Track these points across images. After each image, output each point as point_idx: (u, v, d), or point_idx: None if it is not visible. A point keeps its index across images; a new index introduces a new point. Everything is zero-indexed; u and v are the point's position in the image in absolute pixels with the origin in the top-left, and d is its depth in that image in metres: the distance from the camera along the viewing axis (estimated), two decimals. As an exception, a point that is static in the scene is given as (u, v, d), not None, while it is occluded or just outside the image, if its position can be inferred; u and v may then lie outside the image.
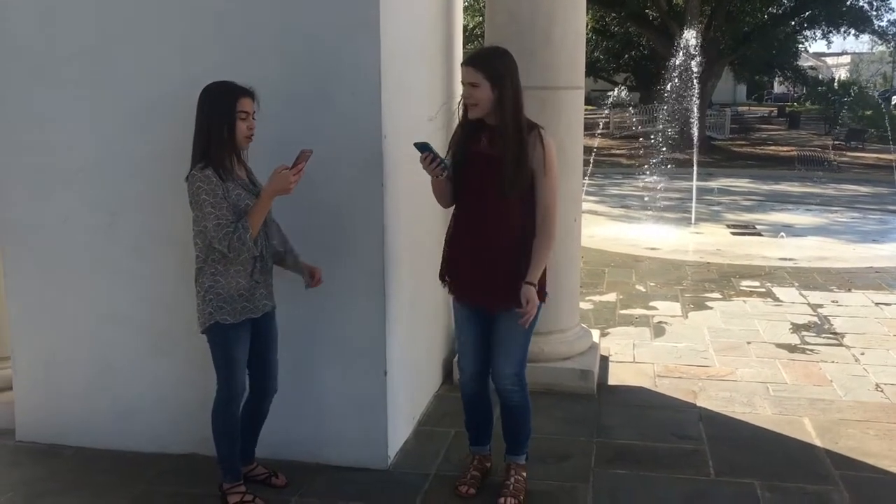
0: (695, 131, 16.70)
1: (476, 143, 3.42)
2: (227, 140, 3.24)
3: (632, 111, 30.35)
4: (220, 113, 3.23)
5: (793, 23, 29.77)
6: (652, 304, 7.33)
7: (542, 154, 3.34)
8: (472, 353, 3.61)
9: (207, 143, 3.23)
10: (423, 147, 3.34)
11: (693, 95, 19.30)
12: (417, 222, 4.31)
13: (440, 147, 3.71)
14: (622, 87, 28.42)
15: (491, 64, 3.33)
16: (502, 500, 3.57)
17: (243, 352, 3.42)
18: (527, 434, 3.70)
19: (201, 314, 3.35)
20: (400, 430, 4.15)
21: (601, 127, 29.29)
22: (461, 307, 3.60)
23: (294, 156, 3.32)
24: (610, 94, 27.52)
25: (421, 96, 4.38)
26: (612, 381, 5.24)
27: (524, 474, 3.70)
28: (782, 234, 11.78)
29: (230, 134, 3.24)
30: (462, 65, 3.39)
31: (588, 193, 15.06)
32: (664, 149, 15.93)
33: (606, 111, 25.74)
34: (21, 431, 4.27)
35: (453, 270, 3.57)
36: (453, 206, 3.58)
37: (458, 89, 5.24)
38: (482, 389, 3.69)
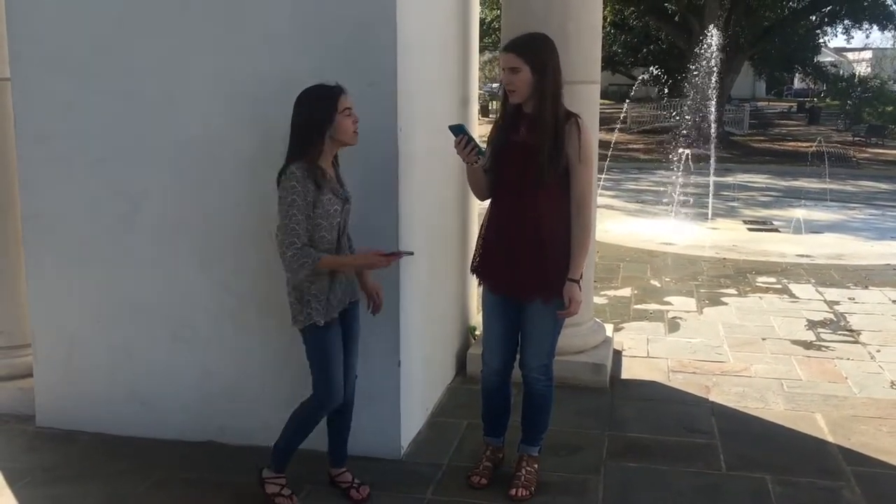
0: (713, 126, 16.59)
1: (514, 133, 3.44)
2: (330, 141, 3.25)
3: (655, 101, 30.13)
4: (324, 117, 3.22)
5: (813, 17, 29.52)
6: (667, 299, 7.33)
7: (578, 142, 3.34)
8: (498, 348, 3.63)
9: (308, 146, 3.22)
10: (458, 129, 3.31)
11: (711, 90, 19.20)
12: (433, 215, 4.33)
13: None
14: (648, 76, 28.11)
15: (531, 49, 3.35)
16: (513, 491, 3.59)
17: (339, 352, 3.38)
18: (545, 426, 3.72)
19: (298, 312, 3.30)
20: (413, 420, 4.19)
21: (621, 121, 29.19)
22: (491, 299, 3.60)
23: None
24: (643, 77, 27.25)
25: (437, 89, 4.41)
26: (625, 375, 5.25)
27: (536, 466, 3.72)
28: (798, 219, 11.71)
29: (338, 134, 3.24)
30: (502, 50, 3.40)
31: (604, 188, 15.02)
32: (682, 144, 15.85)
33: (626, 104, 25.58)
34: (41, 417, 4.33)
35: (487, 261, 3.58)
36: (487, 199, 3.59)
37: (475, 82, 5.30)
38: (504, 384, 3.71)
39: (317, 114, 3.23)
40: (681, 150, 14.21)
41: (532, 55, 3.33)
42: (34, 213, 4.18)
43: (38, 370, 4.32)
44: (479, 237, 3.65)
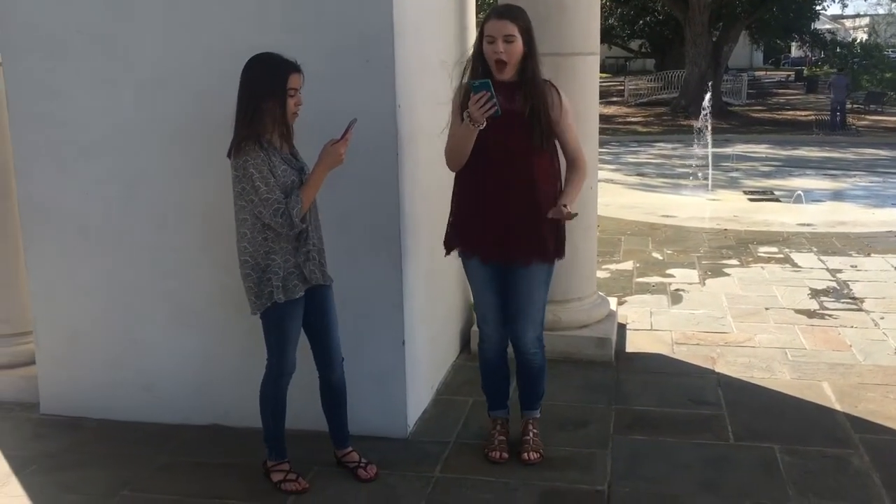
0: (710, 97, 16.50)
1: None
2: (278, 116, 3.20)
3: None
4: (271, 89, 3.17)
5: (810, -16, 29.29)
6: (669, 271, 7.31)
7: (558, 101, 3.40)
8: (493, 319, 3.65)
9: (253, 118, 3.16)
10: (483, 86, 3.17)
11: (705, 59, 19.03)
12: (433, 191, 4.30)
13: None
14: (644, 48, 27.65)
15: (523, 17, 3.34)
16: (526, 455, 3.66)
17: (296, 329, 3.39)
18: (542, 390, 3.80)
19: (258, 295, 3.27)
20: (419, 399, 4.18)
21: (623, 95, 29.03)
22: (479, 269, 3.58)
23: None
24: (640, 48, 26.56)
25: (435, 64, 4.35)
26: (629, 348, 5.24)
27: (537, 429, 3.80)
28: (799, 192, 11.68)
29: (281, 111, 3.19)
30: (494, 18, 3.30)
31: (604, 162, 14.96)
32: (680, 116, 15.79)
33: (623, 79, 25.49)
34: (45, 405, 4.33)
35: (472, 232, 3.55)
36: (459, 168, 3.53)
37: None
38: (503, 353, 3.76)
39: (262, 85, 3.18)
40: (678, 123, 14.17)
41: (524, 24, 3.33)
42: (31, 199, 4.15)
43: (40, 358, 4.30)
44: (452, 212, 3.62)
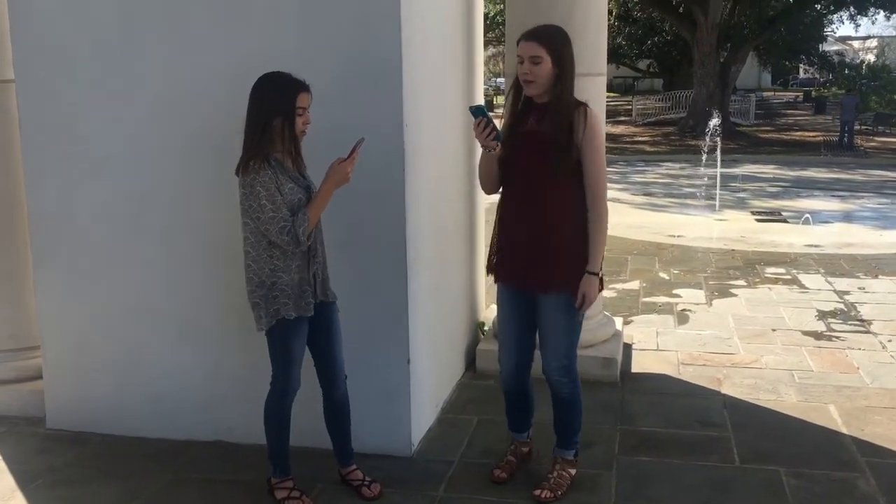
0: (718, 117, 16.53)
1: (524, 124, 3.39)
2: (286, 135, 3.22)
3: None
4: (279, 107, 3.19)
5: (818, 6, 29.32)
6: (675, 291, 7.30)
7: (585, 129, 3.29)
8: (513, 347, 3.58)
9: (261, 136, 3.19)
10: (478, 111, 3.23)
11: (713, 80, 19.04)
12: (440, 211, 4.32)
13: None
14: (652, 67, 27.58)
15: (553, 39, 3.31)
16: (538, 491, 3.55)
17: (301, 347, 3.40)
18: (576, 428, 3.64)
19: (265, 311, 3.28)
20: (424, 417, 4.17)
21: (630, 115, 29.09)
22: (506, 296, 3.55)
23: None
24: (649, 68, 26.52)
25: (442, 85, 4.39)
26: (635, 368, 5.23)
27: (571, 471, 3.65)
28: (807, 215, 11.67)
29: (290, 130, 3.22)
30: (523, 39, 3.32)
31: (611, 181, 14.98)
32: (687, 135, 15.81)
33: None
34: (51, 419, 4.34)
35: (502, 257, 3.52)
36: (495, 193, 3.55)
37: (480, 78, 5.27)
38: (522, 383, 3.65)
39: (271, 103, 3.20)
40: (686, 143, 14.22)
41: (553, 45, 3.29)
42: (40, 215, 4.18)
43: (47, 372, 4.32)
44: (493, 234, 3.60)
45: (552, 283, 3.37)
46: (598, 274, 3.35)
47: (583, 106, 3.35)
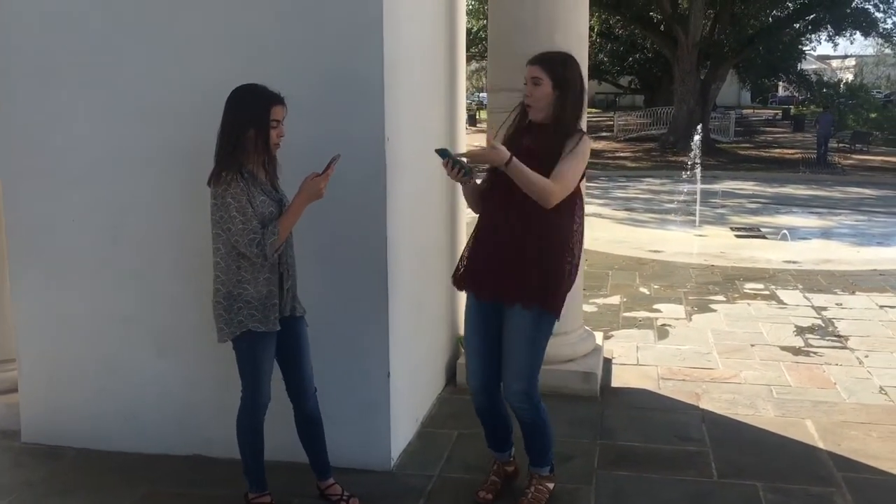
0: (699, 134, 16.68)
1: (519, 141, 3.41)
2: (259, 147, 3.22)
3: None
4: (253, 119, 3.19)
5: (797, 25, 29.72)
6: (656, 306, 7.33)
7: (574, 147, 3.30)
8: (478, 364, 3.53)
9: (235, 147, 3.18)
10: (443, 153, 3.29)
11: (694, 97, 19.20)
12: (421, 224, 4.32)
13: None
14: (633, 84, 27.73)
15: (555, 63, 3.36)
16: None
17: (270, 360, 3.38)
18: (547, 447, 3.61)
19: (227, 323, 3.27)
20: (403, 431, 4.16)
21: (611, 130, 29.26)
22: (473, 311, 3.53)
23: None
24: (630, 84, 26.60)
25: (424, 99, 4.40)
26: (615, 383, 5.24)
27: (548, 485, 3.64)
28: (785, 232, 11.78)
29: (263, 142, 3.21)
30: (528, 63, 3.39)
31: (593, 196, 15.07)
32: (668, 151, 15.94)
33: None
34: (26, 433, 4.28)
35: (470, 268, 3.51)
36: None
37: (462, 93, 5.29)
38: (492, 401, 3.59)
39: (245, 115, 3.20)
40: (667, 159, 14.35)
41: (552, 67, 3.33)
42: (18, 227, 4.14)
43: (22, 386, 4.27)
44: (465, 245, 3.60)
45: (519, 295, 3.34)
46: (508, 158, 3.16)
47: (580, 133, 3.37)
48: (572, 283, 3.47)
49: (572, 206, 3.38)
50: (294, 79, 3.52)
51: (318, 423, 3.56)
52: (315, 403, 3.54)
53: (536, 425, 3.53)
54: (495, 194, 3.42)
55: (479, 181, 3.51)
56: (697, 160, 14.53)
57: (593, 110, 38.01)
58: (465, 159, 3.29)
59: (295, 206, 3.27)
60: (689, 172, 15.13)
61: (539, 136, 3.36)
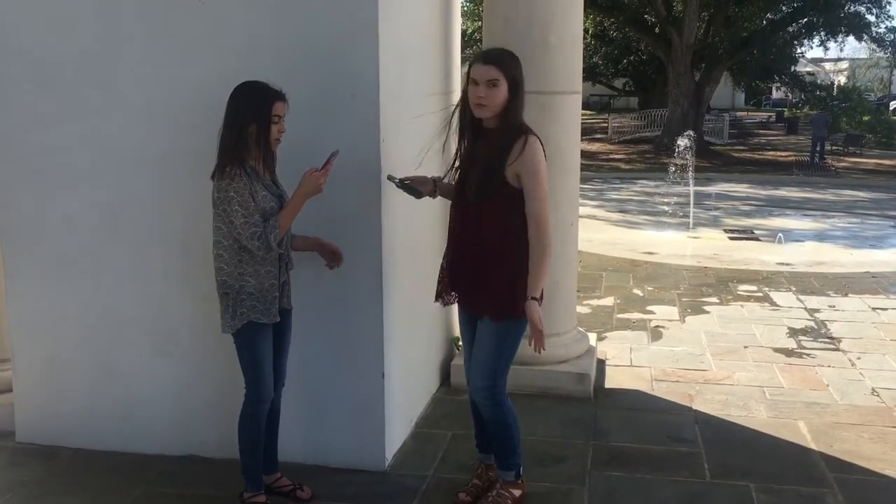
0: (693, 136, 16.72)
1: (474, 148, 3.40)
2: (261, 142, 3.26)
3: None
4: (255, 115, 3.24)
5: (791, 29, 29.81)
6: (649, 308, 7.36)
7: (521, 157, 3.19)
8: (467, 364, 3.59)
9: (238, 142, 3.23)
10: (390, 179, 3.50)
11: (688, 99, 19.24)
12: (416, 225, 4.33)
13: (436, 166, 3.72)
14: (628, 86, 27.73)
15: (509, 63, 3.28)
16: None
17: (269, 351, 3.42)
18: (509, 451, 3.54)
19: (232, 315, 3.32)
20: (397, 432, 4.17)
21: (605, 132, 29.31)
22: (461, 315, 3.62)
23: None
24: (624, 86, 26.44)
25: (419, 100, 4.41)
26: (608, 384, 5.26)
27: (514, 492, 3.56)
28: (780, 235, 11.82)
29: (264, 137, 3.26)
30: (479, 63, 3.26)
31: (587, 198, 15.08)
32: (662, 153, 15.97)
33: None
34: (21, 433, 4.28)
35: (444, 278, 3.58)
36: None
37: (457, 93, 5.30)
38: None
39: (247, 110, 3.24)
40: (661, 161, 14.37)
41: (509, 70, 3.26)
42: (13, 227, 4.14)
43: (17, 385, 4.27)
44: (443, 257, 3.63)
45: (483, 309, 3.39)
46: (537, 300, 3.21)
47: (526, 134, 3.25)
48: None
49: (522, 209, 3.28)
50: (291, 80, 3.51)
51: (277, 417, 3.62)
52: (279, 399, 3.61)
53: (499, 424, 3.49)
54: (457, 202, 3.48)
55: (446, 180, 3.62)
56: (688, 162, 14.55)
57: (588, 112, 38.08)
58: (407, 181, 3.52)
59: (295, 200, 3.32)
60: (674, 175, 15.17)
61: (489, 141, 3.31)
